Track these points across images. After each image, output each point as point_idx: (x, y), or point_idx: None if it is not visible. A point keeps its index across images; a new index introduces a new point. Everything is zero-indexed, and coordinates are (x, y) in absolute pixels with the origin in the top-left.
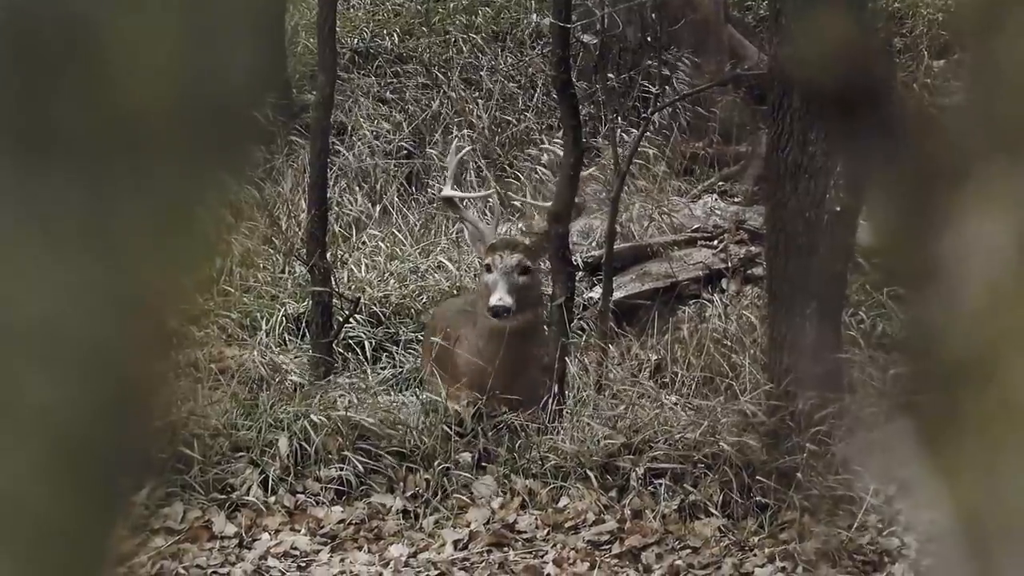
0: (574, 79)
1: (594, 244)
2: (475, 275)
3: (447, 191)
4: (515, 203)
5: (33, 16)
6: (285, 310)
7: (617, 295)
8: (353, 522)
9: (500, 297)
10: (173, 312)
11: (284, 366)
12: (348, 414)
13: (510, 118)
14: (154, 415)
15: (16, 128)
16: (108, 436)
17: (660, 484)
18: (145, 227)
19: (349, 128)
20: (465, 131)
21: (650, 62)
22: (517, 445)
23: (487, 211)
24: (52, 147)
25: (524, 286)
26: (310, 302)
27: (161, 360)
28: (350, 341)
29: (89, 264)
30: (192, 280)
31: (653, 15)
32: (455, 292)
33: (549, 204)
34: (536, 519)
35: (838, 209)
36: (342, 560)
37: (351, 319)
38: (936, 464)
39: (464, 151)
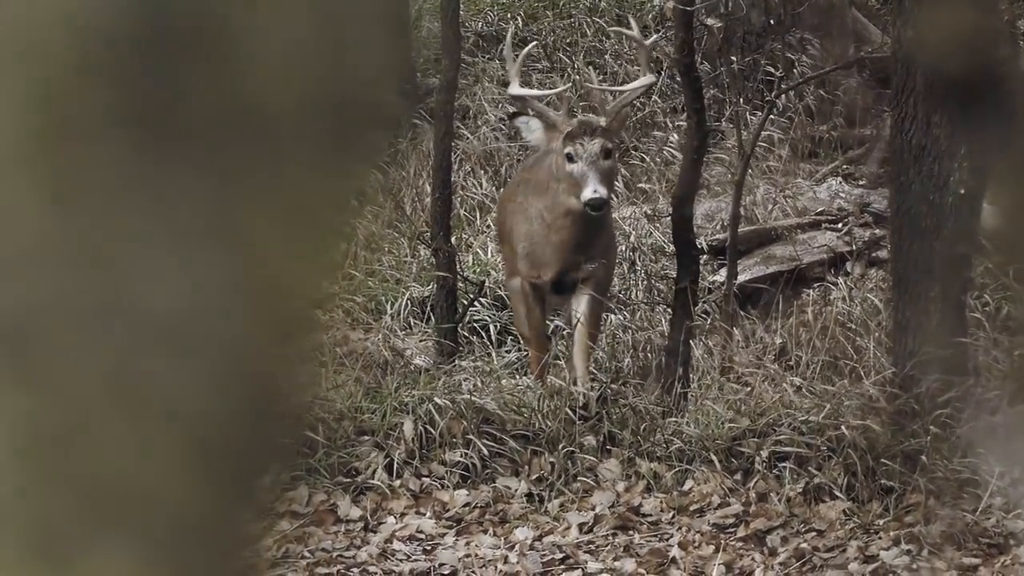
0: (698, 62)
1: (718, 227)
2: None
3: (515, 89)
4: (599, 91)
5: (164, 9)
6: (410, 294)
7: (741, 278)
8: (478, 505)
9: (595, 189)
10: (302, 300)
11: (408, 350)
12: (472, 397)
13: (635, 101)
14: (287, 405)
15: (145, 122)
16: (243, 429)
17: (784, 467)
18: (275, 220)
19: (473, 112)
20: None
21: (774, 45)
22: (642, 428)
23: (559, 103)
24: (181, 141)
25: (610, 170)
26: (435, 286)
27: (292, 350)
28: (475, 324)
29: (219, 258)
30: (320, 266)
31: None
32: None
33: (621, 87)
34: (661, 502)
35: (962, 191)
36: (467, 543)
37: (475, 302)
38: None
39: (529, 46)
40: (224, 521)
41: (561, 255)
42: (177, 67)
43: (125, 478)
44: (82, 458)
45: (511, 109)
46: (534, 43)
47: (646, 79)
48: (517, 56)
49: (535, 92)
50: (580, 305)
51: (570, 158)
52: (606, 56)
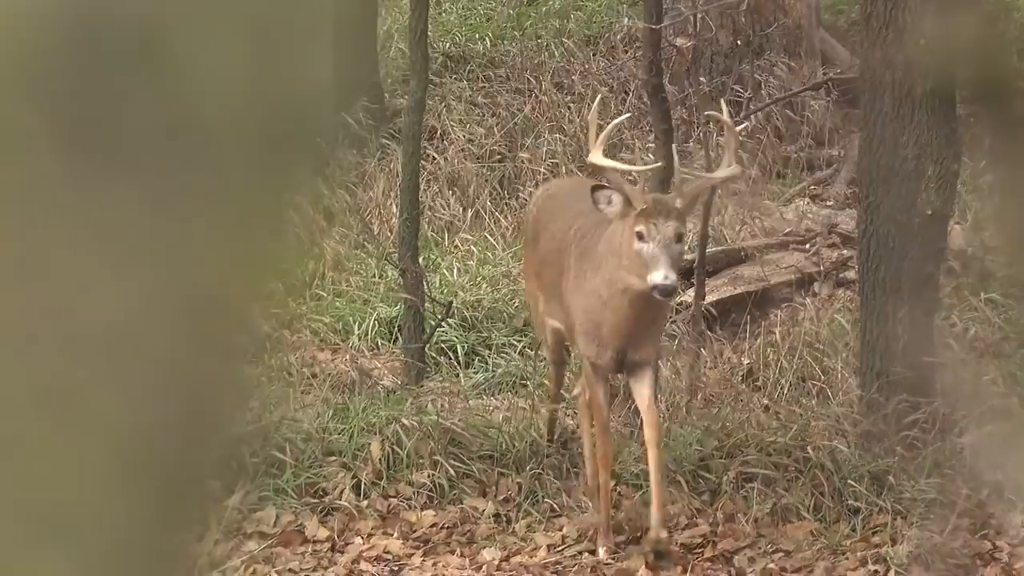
0: (666, 83)
1: (686, 248)
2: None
3: (597, 159)
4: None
5: (101, 18)
6: (377, 314)
7: (709, 299)
8: (445, 526)
9: (665, 275)
10: (248, 316)
11: (376, 370)
12: (439, 418)
13: (601, 122)
14: (228, 422)
15: (81, 133)
16: (178, 444)
17: (752, 488)
18: (214, 233)
19: (441, 132)
20: (557, 135)
21: (742, 66)
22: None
23: (634, 178)
24: (117, 152)
25: (680, 255)
26: (402, 306)
27: (233, 365)
28: (442, 345)
29: (156, 271)
30: (281, 284)
31: (745, 19)
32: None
33: (708, 175)
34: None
35: (929, 212)
36: (434, 564)
37: (443, 323)
38: None
39: (622, 118)
40: (157, 536)
41: (618, 335)
42: (112, 79)
43: (58, 492)
44: (14, 472)
45: (595, 181)
46: (628, 115)
47: (733, 169)
48: (603, 125)
49: (618, 165)
50: (642, 392)
51: (640, 236)
52: (573, 77)
